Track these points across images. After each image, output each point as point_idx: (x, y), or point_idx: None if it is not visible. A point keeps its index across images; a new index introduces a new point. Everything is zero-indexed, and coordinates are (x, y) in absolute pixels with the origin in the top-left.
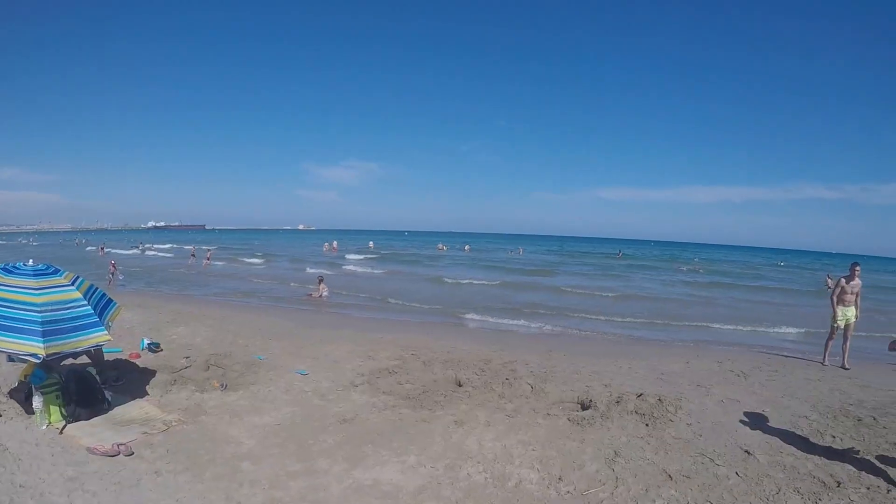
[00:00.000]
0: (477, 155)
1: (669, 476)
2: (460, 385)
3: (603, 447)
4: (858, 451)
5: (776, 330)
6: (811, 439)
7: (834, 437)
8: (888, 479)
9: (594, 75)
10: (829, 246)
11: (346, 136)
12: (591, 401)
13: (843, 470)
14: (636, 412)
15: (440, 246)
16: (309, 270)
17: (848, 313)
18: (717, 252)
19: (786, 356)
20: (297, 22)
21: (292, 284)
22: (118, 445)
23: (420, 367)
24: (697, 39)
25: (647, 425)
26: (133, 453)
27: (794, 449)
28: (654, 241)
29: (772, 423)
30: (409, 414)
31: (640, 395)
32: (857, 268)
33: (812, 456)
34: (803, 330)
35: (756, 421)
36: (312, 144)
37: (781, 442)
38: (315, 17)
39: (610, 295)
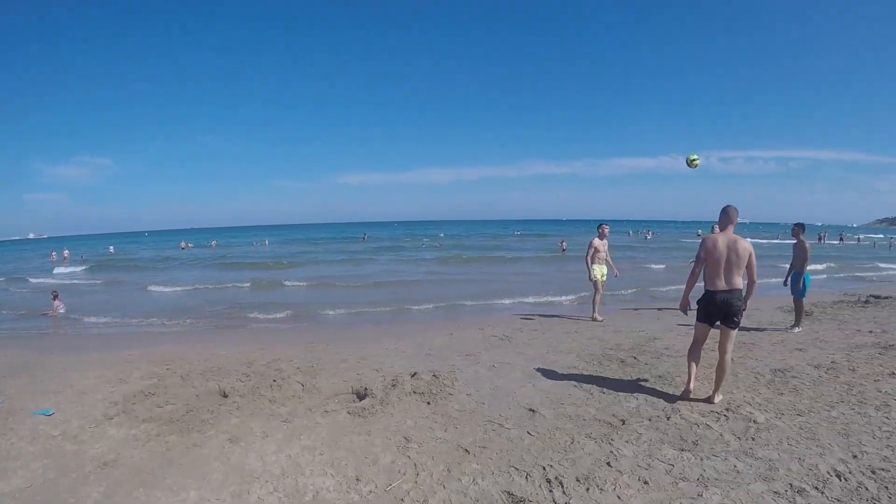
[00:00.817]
0: (219, 144)
1: (466, 450)
2: (226, 396)
3: (392, 435)
4: (631, 389)
5: (527, 296)
6: (585, 386)
7: (604, 380)
8: (665, 409)
9: (330, 66)
10: (560, 214)
11: (75, 126)
12: (366, 389)
13: (623, 409)
14: (415, 392)
15: (183, 244)
16: (33, 283)
17: (604, 270)
18: (459, 227)
19: (541, 316)
20: None
21: (20, 309)
22: None
23: (179, 383)
24: (416, 27)
25: (428, 403)
26: None
27: (574, 398)
28: (397, 222)
29: (546, 378)
30: (177, 441)
31: (414, 374)
32: (606, 228)
33: (591, 401)
34: (550, 292)
35: (531, 379)
36: (39, 137)
37: (560, 394)
38: None
39: (360, 279)
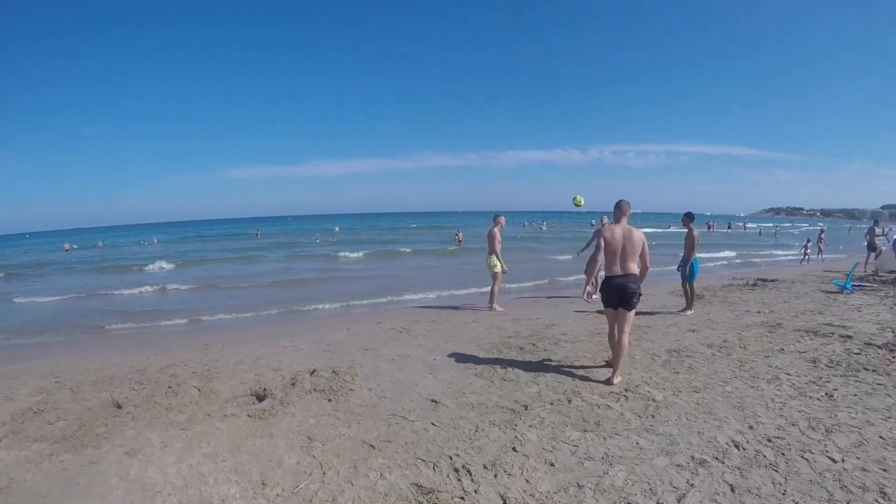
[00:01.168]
0: (105, 137)
1: (371, 445)
2: (120, 407)
3: (295, 436)
4: (531, 375)
5: (425, 289)
6: (486, 374)
7: (505, 368)
8: (566, 392)
9: (219, 57)
10: (456, 206)
11: None
12: (265, 390)
13: (524, 394)
14: (315, 390)
15: (66, 246)
16: None
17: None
18: (355, 221)
19: (439, 308)
20: None
21: None
22: None
23: (69, 397)
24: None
25: (329, 401)
26: None
27: (475, 387)
28: (291, 217)
29: (446, 368)
30: (71, 460)
31: (314, 371)
32: (503, 219)
33: (493, 389)
34: (447, 284)
35: (431, 370)
36: None
37: (461, 384)
38: None
39: (254, 277)
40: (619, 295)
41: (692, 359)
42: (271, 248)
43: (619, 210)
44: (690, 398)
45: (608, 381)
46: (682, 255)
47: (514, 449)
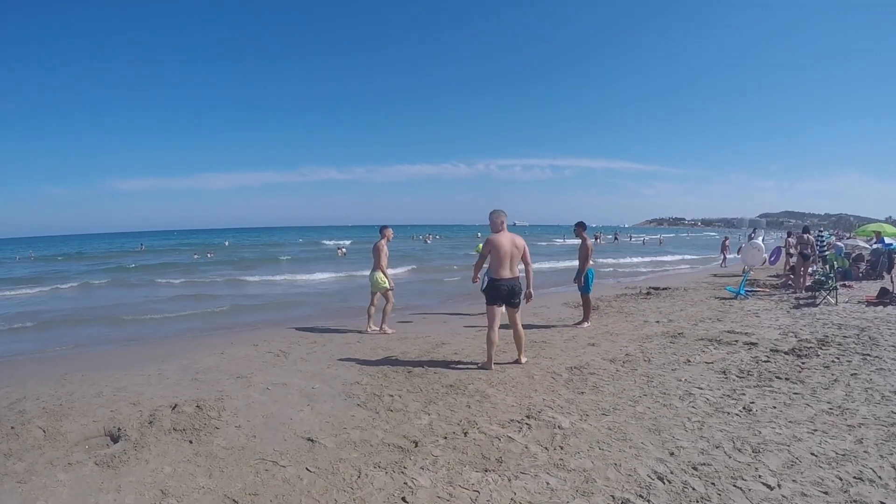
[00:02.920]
0: None
1: (234, 500)
2: None
3: (146, 489)
4: (422, 403)
5: (306, 307)
6: (370, 404)
7: (391, 396)
8: (461, 422)
9: (95, 63)
10: (343, 220)
11: None
12: (119, 429)
13: (414, 427)
14: (175, 429)
15: None
16: None
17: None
18: (243, 235)
19: (321, 328)
20: None
21: None
22: None
23: None
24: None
25: (191, 442)
26: None
27: (358, 420)
28: (177, 231)
29: (326, 399)
30: None
31: (175, 406)
32: (389, 231)
33: (378, 422)
34: (330, 302)
35: (309, 400)
36: None
37: (342, 416)
38: None
39: (131, 295)
40: (507, 296)
41: (596, 376)
42: (151, 264)
43: (497, 217)
44: (600, 423)
45: (517, 361)
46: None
47: (403, 500)
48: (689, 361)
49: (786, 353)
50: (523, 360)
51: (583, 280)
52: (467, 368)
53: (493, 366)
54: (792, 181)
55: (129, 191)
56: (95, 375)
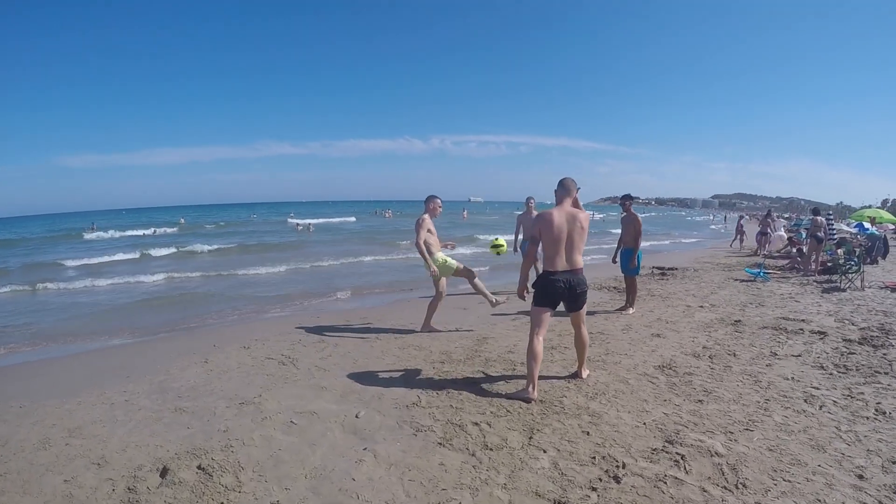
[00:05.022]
0: None
1: None
2: None
3: None
4: (524, 429)
5: (287, 292)
6: (454, 439)
7: (476, 424)
8: (599, 460)
9: (35, 34)
10: (297, 196)
11: None
12: None
13: (539, 474)
14: None
15: None
16: None
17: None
18: (197, 212)
19: (318, 320)
20: None
21: None
22: None
23: None
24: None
25: None
26: None
27: (454, 471)
28: (125, 210)
29: (386, 435)
30: None
31: (165, 470)
32: (436, 203)
33: (484, 472)
34: (308, 286)
35: (364, 441)
36: None
37: (428, 467)
38: None
39: (79, 289)
40: (566, 296)
41: (695, 377)
42: (109, 241)
43: (563, 189)
44: (754, 443)
45: (577, 375)
46: (619, 242)
47: None
48: (776, 354)
49: (859, 342)
50: (584, 373)
51: (634, 262)
52: (543, 375)
53: (536, 392)
54: (745, 163)
55: (74, 167)
56: (36, 408)
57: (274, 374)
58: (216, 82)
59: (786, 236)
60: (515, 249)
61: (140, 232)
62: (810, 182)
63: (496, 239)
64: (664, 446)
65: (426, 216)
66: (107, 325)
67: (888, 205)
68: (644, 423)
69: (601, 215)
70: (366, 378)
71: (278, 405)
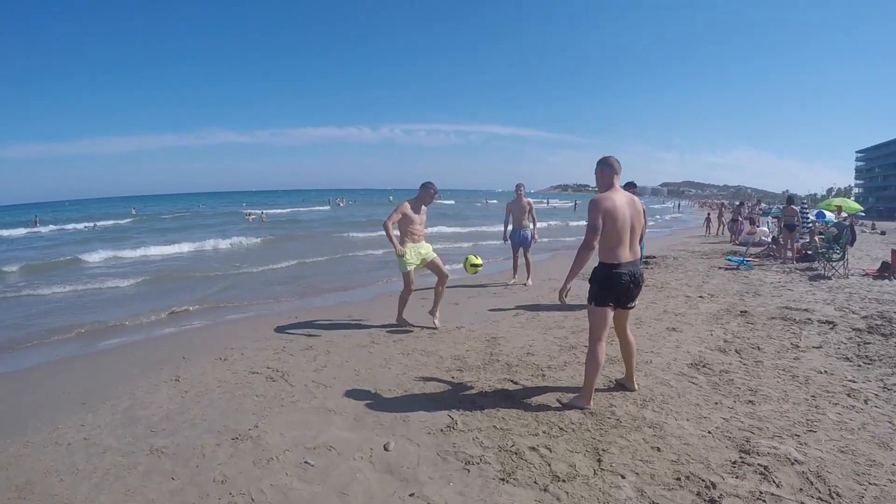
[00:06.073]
0: None
1: None
2: None
3: None
4: (589, 454)
5: (249, 291)
6: (519, 474)
7: (534, 450)
8: (684, 484)
9: None
10: (246, 185)
11: None
12: None
13: None
14: None
15: None
16: None
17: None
18: (141, 202)
19: (293, 320)
20: None
21: None
22: None
23: None
24: None
25: None
26: None
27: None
28: (69, 201)
29: (431, 472)
30: None
31: None
32: (431, 190)
33: None
34: (274, 284)
35: (405, 481)
36: None
37: None
38: None
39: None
40: (628, 290)
41: (732, 374)
42: (54, 235)
43: (610, 169)
44: (822, 445)
45: (629, 387)
46: None
47: None
48: (798, 347)
49: (868, 332)
50: (635, 385)
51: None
52: (571, 371)
53: (591, 402)
54: (693, 153)
55: (9, 158)
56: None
57: (265, 395)
58: (159, 69)
59: (768, 231)
60: (505, 239)
61: (83, 225)
62: (756, 171)
63: (474, 257)
64: (742, 457)
65: (407, 202)
66: (51, 327)
67: (833, 193)
68: (709, 432)
69: (567, 203)
70: (377, 395)
71: (282, 439)
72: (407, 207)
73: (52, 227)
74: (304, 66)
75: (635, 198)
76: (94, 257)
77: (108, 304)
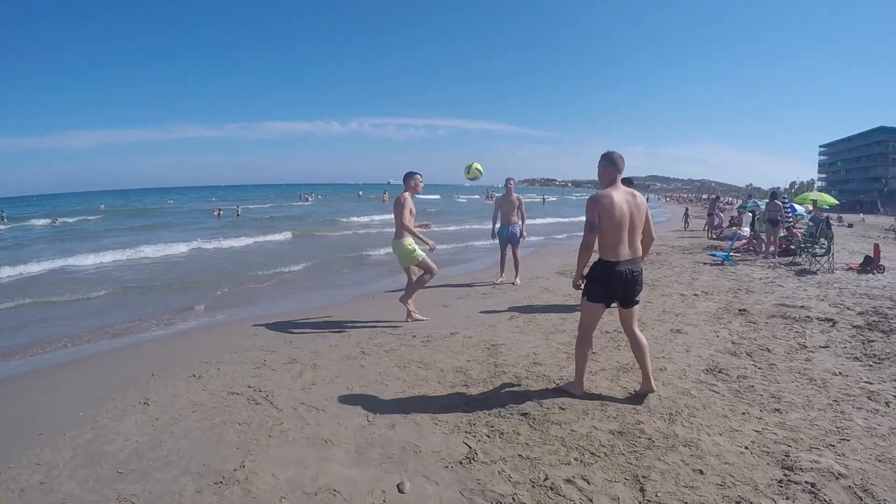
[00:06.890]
0: None
1: None
2: None
3: None
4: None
5: (214, 290)
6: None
7: (570, 481)
8: None
9: None
10: (215, 180)
11: None
12: None
13: None
14: None
15: None
16: None
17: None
18: (110, 196)
19: (269, 327)
20: None
21: None
22: None
23: None
24: None
25: None
26: None
27: None
28: (36, 196)
29: None
30: None
31: None
32: (417, 179)
33: None
34: (236, 281)
35: None
36: None
37: None
38: None
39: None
40: (626, 287)
41: (750, 380)
42: (14, 232)
43: (613, 165)
44: (858, 455)
45: (647, 390)
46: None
47: None
48: (806, 347)
49: (868, 329)
50: (654, 386)
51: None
52: (603, 396)
53: (584, 387)
54: (658, 147)
55: None
56: None
57: (250, 423)
58: (129, 64)
59: (748, 230)
60: (493, 236)
61: (43, 221)
62: (720, 165)
63: (474, 164)
64: (786, 475)
65: (406, 194)
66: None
67: (796, 187)
68: (746, 448)
69: (536, 198)
70: (377, 419)
71: (275, 482)
72: (411, 202)
73: (11, 224)
74: (273, 60)
75: (636, 192)
76: (43, 265)
77: (65, 316)
